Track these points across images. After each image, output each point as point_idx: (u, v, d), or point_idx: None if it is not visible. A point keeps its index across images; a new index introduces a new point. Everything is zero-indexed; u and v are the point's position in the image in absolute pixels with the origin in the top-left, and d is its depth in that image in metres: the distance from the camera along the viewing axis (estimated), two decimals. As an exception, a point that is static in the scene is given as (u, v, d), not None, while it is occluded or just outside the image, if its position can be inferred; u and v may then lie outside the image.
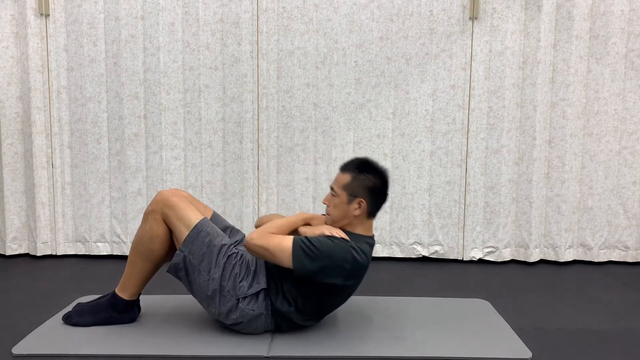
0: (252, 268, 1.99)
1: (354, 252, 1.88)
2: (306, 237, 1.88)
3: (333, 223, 2.01)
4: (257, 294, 1.95)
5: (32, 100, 3.17)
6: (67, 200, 3.30)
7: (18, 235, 3.32)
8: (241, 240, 2.21)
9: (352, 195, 1.96)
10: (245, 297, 1.93)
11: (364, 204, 1.96)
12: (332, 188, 2.01)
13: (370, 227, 2.04)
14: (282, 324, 2.01)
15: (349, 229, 2.00)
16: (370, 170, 1.98)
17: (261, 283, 1.95)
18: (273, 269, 1.97)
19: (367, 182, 1.96)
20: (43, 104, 3.20)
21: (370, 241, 2.02)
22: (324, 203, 2.03)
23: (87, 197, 3.29)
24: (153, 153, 3.25)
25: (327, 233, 1.91)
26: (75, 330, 2.04)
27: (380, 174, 1.99)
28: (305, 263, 1.84)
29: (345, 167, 2.01)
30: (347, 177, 1.97)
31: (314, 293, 1.95)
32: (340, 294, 2.01)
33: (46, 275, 2.93)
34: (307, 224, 2.05)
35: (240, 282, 1.93)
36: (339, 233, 1.93)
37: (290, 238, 1.88)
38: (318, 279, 1.88)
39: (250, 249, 1.89)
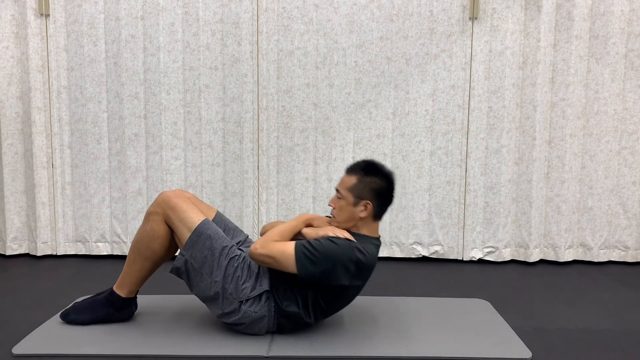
0: (255, 270, 1.98)
1: (357, 252, 1.87)
2: (308, 241, 1.88)
3: (338, 225, 2.00)
4: (259, 296, 1.95)
5: (32, 100, 3.17)
6: (67, 200, 3.30)
7: (18, 235, 3.33)
8: (244, 241, 2.21)
9: (358, 198, 1.95)
10: (248, 300, 1.93)
11: (370, 206, 1.96)
12: (337, 190, 2.00)
13: (376, 229, 2.04)
14: (285, 325, 2.01)
15: (354, 230, 2.00)
16: (376, 172, 1.98)
17: (264, 285, 1.95)
18: (278, 272, 1.97)
19: (374, 184, 1.96)
20: (43, 104, 3.20)
21: (376, 242, 2.01)
22: (330, 205, 2.03)
23: (88, 197, 3.29)
24: (153, 153, 3.25)
25: (331, 234, 1.91)
26: (75, 330, 2.04)
27: (387, 176, 1.99)
28: (308, 268, 1.84)
29: (352, 169, 2.00)
30: (353, 180, 1.97)
31: (321, 293, 1.95)
32: (347, 295, 2.00)
33: (46, 275, 2.93)
34: (309, 225, 2.05)
35: (242, 284, 1.93)
36: (342, 233, 1.92)
37: (293, 244, 1.87)
38: (324, 282, 1.88)
39: (255, 259, 1.89)
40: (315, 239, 1.90)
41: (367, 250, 1.92)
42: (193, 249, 1.94)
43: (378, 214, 2.01)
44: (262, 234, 2.12)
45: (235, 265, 1.95)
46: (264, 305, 1.95)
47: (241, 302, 1.93)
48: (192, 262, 1.94)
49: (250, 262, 2.00)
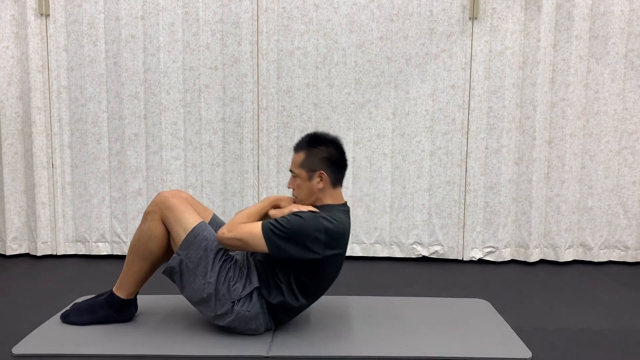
0: (245, 271, 1.99)
1: (324, 221, 1.88)
2: (275, 219, 1.89)
3: (302, 203, 2.03)
4: (250, 294, 1.95)
5: (32, 100, 3.17)
6: (67, 200, 3.30)
7: (18, 235, 3.33)
8: None
9: (311, 171, 1.98)
10: (239, 299, 1.93)
11: (324, 175, 1.98)
12: (291, 170, 2.04)
13: (339, 196, 2.06)
14: (282, 318, 2.02)
15: (318, 203, 2.02)
16: (321, 142, 2.01)
17: (254, 282, 1.96)
18: (260, 266, 1.98)
19: (322, 153, 1.99)
20: (43, 104, 3.20)
21: (343, 208, 2.03)
22: (289, 187, 2.06)
23: (88, 197, 3.29)
24: (153, 153, 3.25)
25: (295, 210, 1.93)
26: (75, 330, 2.04)
27: (333, 142, 2.02)
28: (279, 244, 1.85)
29: (298, 146, 2.04)
30: (301, 156, 2.00)
31: (302, 273, 1.94)
32: (327, 267, 1.98)
33: (46, 275, 2.93)
34: (277, 206, 2.07)
35: (234, 284, 1.94)
36: (307, 208, 1.95)
37: (259, 224, 1.89)
38: (297, 257, 1.88)
39: (224, 243, 1.90)
40: (282, 217, 1.91)
41: (335, 217, 1.93)
42: (189, 250, 1.94)
43: (335, 180, 2.03)
44: None
45: (228, 266, 1.96)
46: (256, 303, 1.95)
47: (233, 302, 1.93)
48: (187, 262, 1.94)
49: (240, 263, 2.00)
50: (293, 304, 1.98)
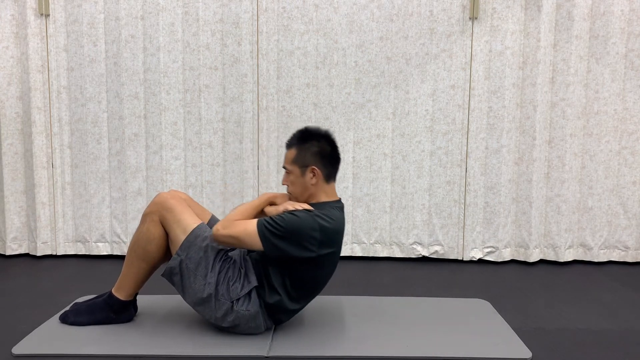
0: (243, 270, 1.99)
1: (319, 219, 1.88)
2: (270, 217, 1.89)
3: (296, 199, 2.03)
4: (249, 293, 1.95)
5: (32, 100, 3.17)
6: (67, 200, 3.30)
7: (18, 235, 3.33)
8: None
9: (304, 167, 1.98)
10: (239, 299, 1.93)
11: (317, 170, 1.98)
12: (284, 167, 2.04)
13: (333, 192, 2.05)
14: (280, 317, 2.02)
15: (312, 200, 2.02)
16: (312, 137, 2.01)
17: (252, 282, 1.95)
18: (260, 266, 1.98)
19: (313, 148, 1.98)
20: (43, 104, 3.20)
21: (337, 204, 2.03)
22: (283, 184, 2.06)
23: (87, 197, 3.29)
24: (153, 153, 3.25)
25: (290, 208, 1.93)
26: (75, 330, 2.04)
27: (324, 136, 2.02)
28: (274, 242, 1.85)
29: (289, 143, 2.04)
30: (293, 152, 2.00)
31: (297, 272, 1.94)
32: (323, 266, 1.98)
33: (46, 275, 2.93)
34: (273, 203, 2.07)
35: (233, 284, 1.94)
36: (302, 206, 1.94)
37: (255, 221, 1.89)
38: (292, 255, 1.88)
39: (218, 240, 1.90)
40: (277, 215, 1.91)
41: (330, 215, 1.92)
42: (189, 250, 1.94)
43: (328, 175, 2.02)
44: None
45: (227, 267, 1.96)
46: (255, 301, 1.95)
47: (233, 302, 1.93)
48: (188, 263, 1.93)
49: (238, 263, 2.00)
50: (288, 304, 1.98)
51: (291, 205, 1.95)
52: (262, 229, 1.86)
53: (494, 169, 3.22)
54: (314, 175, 1.98)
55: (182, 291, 1.99)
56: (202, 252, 1.93)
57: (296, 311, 2.04)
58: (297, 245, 1.86)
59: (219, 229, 1.89)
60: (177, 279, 1.97)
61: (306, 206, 1.95)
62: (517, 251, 3.30)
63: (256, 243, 1.87)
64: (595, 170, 3.22)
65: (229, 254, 2.02)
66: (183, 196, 2.11)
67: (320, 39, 3.17)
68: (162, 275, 1.99)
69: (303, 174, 1.98)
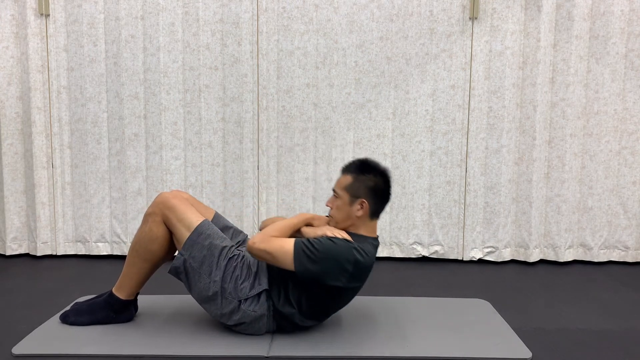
0: (254, 269, 1.98)
1: (356, 252, 1.86)
2: (307, 239, 1.88)
3: (336, 225, 2.00)
4: (258, 295, 1.95)
5: (32, 100, 3.17)
6: (67, 200, 3.30)
7: (18, 235, 3.32)
8: (243, 241, 2.21)
9: (354, 197, 1.95)
10: (247, 299, 1.93)
11: (366, 204, 1.95)
12: (334, 190, 2.01)
13: (374, 228, 2.03)
14: (284, 325, 2.01)
15: (352, 230, 1.99)
16: (371, 170, 1.98)
17: (263, 284, 1.95)
18: (275, 271, 1.97)
19: (369, 182, 1.95)
20: (43, 104, 3.20)
21: (374, 242, 2.01)
22: (327, 205, 2.03)
23: (87, 197, 3.29)
24: (153, 153, 3.25)
25: (329, 234, 1.90)
26: (75, 330, 2.04)
27: (382, 173, 1.99)
28: (307, 265, 1.83)
29: (347, 169, 2.00)
30: (348, 179, 1.97)
31: (317, 295, 1.94)
32: (344, 296, 2.00)
33: (46, 275, 2.93)
34: (309, 224, 2.05)
35: (241, 283, 1.93)
36: (341, 234, 1.91)
37: (292, 240, 1.87)
38: (320, 281, 1.87)
39: (253, 253, 1.89)
40: (315, 238, 1.89)
41: (366, 250, 1.91)
42: (192, 249, 1.94)
43: (375, 212, 2.00)
44: (261, 229, 2.12)
45: (234, 264, 1.95)
46: (263, 304, 1.95)
47: (240, 301, 1.93)
48: (191, 262, 1.93)
49: (249, 261, 2.00)
50: (298, 319, 1.98)
51: (330, 232, 1.92)
52: (299, 251, 1.84)
53: (494, 169, 3.22)
54: (361, 208, 1.95)
55: (189, 288, 2.00)
56: (206, 250, 1.93)
57: (301, 328, 2.03)
58: (328, 273, 1.84)
59: (255, 242, 1.87)
60: (183, 277, 1.98)
61: (346, 235, 1.92)
62: (517, 251, 3.30)
63: (289, 262, 1.85)
64: (595, 170, 3.22)
65: (238, 250, 2.01)
66: (185, 196, 2.11)
67: (320, 39, 3.17)
68: (169, 272, 1.99)
69: (351, 203, 1.96)
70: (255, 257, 1.91)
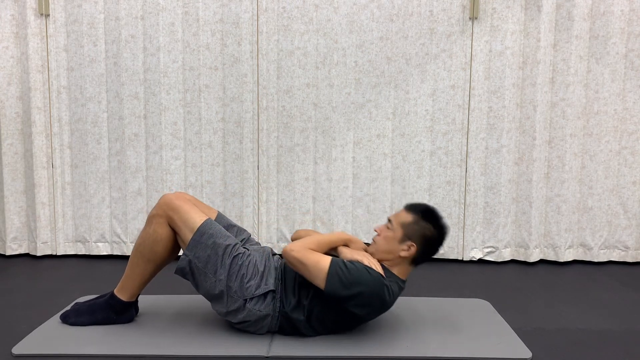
0: (260, 269, 1.98)
1: (386, 290, 1.86)
2: (343, 262, 1.87)
3: (375, 252, 2.00)
4: (264, 295, 1.95)
5: (32, 100, 3.17)
6: (67, 200, 3.30)
7: (18, 235, 3.32)
8: (247, 240, 2.21)
9: (407, 236, 1.95)
10: (252, 298, 1.93)
11: (414, 248, 1.94)
12: (389, 220, 2.01)
13: (407, 273, 2.03)
14: (286, 327, 2.01)
15: (387, 264, 1.99)
16: (432, 220, 1.97)
17: (269, 285, 1.95)
18: (291, 275, 1.98)
19: (427, 230, 1.95)
20: (43, 104, 3.20)
21: (401, 284, 2.00)
22: (376, 231, 2.03)
23: (87, 197, 3.29)
24: (153, 153, 3.25)
25: (366, 262, 1.89)
26: (75, 330, 2.04)
27: (441, 228, 1.98)
28: (337, 288, 1.83)
29: (411, 208, 2.00)
30: (409, 217, 1.97)
31: (330, 312, 1.95)
32: (354, 322, 2.01)
33: (46, 275, 2.93)
34: (346, 244, 2.06)
35: (247, 282, 1.93)
36: (376, 266, 1.90)
37: (329, 259, 1.86)
38: (343, 305, 1.87)
39: (288, 259, 1.90)
40: (350, 261, 1.88)
41: (393, 290, 1.91)
42: (196, 249, 1.94)
43: (416, 260, 1.99)
44: (293, 239, 2.14)
45: (240, 263, 1.95)
46: (269, 304, 1.95)
47: (246, 300, 1.93)
48: (196, 262, 1.94)
49: (256, 260, 2.00)
50: (303, 328, 1.98)
51: (367, 260, 1.91)
52: (333, 272, 1.83)
53: (494, 169, 3.22)
54: (408, 250, 1.95)
55: (196, 287, 2.01)
56: (210, 250, 1.93)
57: (304, 335, 2.03)
58: (353, 300, 1.84)
59: (293, 249, 1.88)
60: (189, 277, 1.99)
61: (380, 269, 1.90)
62: (517, 251, 3.30)
63: (321, 279, 1.84)
64: (595, 170, 3.22)
65: (243, 250, 2.01)
66: (188, 197, 2.12)
67: (320, 39, 3.17)
68: (175, 273, 2.00)
69: (402, 241, 1.95)
70: (288, 263, 1.92)
